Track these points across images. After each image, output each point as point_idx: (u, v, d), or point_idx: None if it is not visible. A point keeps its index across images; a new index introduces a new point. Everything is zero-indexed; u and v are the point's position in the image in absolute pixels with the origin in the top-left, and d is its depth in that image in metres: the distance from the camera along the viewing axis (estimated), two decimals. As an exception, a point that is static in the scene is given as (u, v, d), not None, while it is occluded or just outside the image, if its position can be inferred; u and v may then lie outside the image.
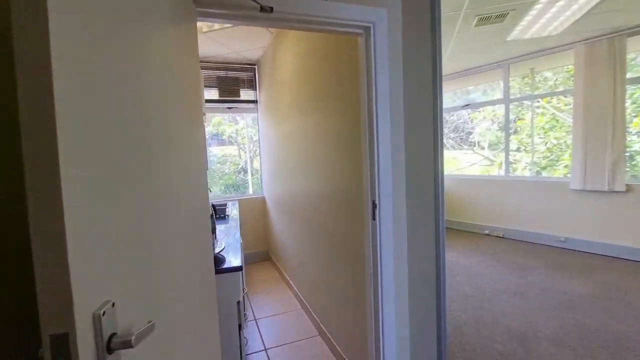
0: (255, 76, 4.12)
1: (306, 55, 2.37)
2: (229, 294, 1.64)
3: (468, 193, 5.04)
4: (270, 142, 3.77)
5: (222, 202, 3.52)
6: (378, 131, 1.46)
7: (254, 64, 4.08)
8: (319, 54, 2.14)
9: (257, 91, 4.13)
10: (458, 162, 7.27)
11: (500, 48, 3.89)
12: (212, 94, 3.96)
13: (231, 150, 4.60)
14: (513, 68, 4.52)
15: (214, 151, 4.46)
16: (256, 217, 4.22)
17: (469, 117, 7.18)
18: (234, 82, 4.04)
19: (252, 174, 4.49)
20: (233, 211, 3.25)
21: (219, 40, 3.29)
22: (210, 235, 1.26)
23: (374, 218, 1.50)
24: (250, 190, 4.46)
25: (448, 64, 4.41)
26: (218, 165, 4.47)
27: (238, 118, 4.47)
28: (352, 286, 1.86)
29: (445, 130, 7.63)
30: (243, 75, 4.08)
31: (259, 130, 4.29)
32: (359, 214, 1.69)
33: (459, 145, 7.42)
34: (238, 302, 1.66)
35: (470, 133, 7.28)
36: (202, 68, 3.88)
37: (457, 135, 7.49)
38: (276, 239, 3.83)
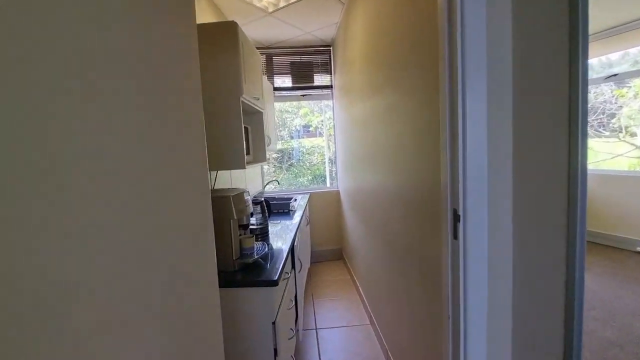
0: (330, 58, 3.76)
1: (376, 21, 1.88)
2: (261, 312, 1.34)
3: (610, 194, 3.74)
4: (344, 130, 3.38)
5: (285, 196, 3.31)
6: (465, 110, 0.93)
7: (329, 45, 3.73)
8: (389, 18, 1.63)
9: (332, 75, 3.78)
10: (594, 154, 5.60)
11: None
12: (285, 81, 3.77)
13: (320, 141, 4.44)
14: (700, 14, 3.06)
15: (303, 142, 4.38)
16: (330, 212, 3.92)
17: (613, 95, 5.43)
18: (307, 66, 3.76)
19: (329, 166, 4.20)
20: (300, 205, 3.00)
21: (288, 20, 3.03)
22: (211, 249, 0.95)
23: (455, 236, 0.98)
24: (328, 183, 4.18)
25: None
26: (307, 156, 4.37)
27: (325, 108, 4.20)
28: (429, 318, 1.35)
29: (574, 113, 5.95)
30: (317, 58, 3.77)
31: (333, 118, 3.95)
32: (434, 224, 1.17)
33: (597, 131, 5.71)
34: (273, 323, 1.35)
35: (614, 115, 5.51)
36: (274, 55, 3.71)
37: (594, 118, 5.78)
38: (348, 237, 3.45)
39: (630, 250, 3.59)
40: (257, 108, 2.13)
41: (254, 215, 1.99)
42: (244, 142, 1.71)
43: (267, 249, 1.64)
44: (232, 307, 1.35)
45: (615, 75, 3.82)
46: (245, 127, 2.05)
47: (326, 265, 3.79)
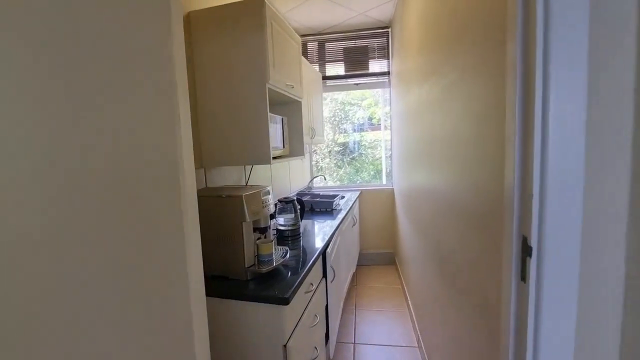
0: (388, 41, 3.39)
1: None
2: (270, 333, 1.15)
3: None
4: (399, 121, 3.01)
5: (331, 193, 3.07)
6: (547, 82, 0.58)
7: (387, 27, 3.35)
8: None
9: (390, 60, 3.40)
10: None
11: None
12: (337, 69, 3.51)
13: (386, 135, 4.15)
14: None
15: (367, 136, 4.13)
16: (383, 212, 3.58)
17: None
18: (362, 52, 3.45)
19: (386, 162, 3.85)
20: (347, 204, 2.74)
21: (339, 2, 2.75)
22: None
23: (522, 277, 0.64)
24: (384, 180, 3.83)
25: None
26: (370, 150, 4.12)
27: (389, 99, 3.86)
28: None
29: None
30: (373, 42, 3.43)
31: (390, 108, 3.57)
32: (495, 250, 0.83)
33: None
34: (284, 346, 1.15)
35: None
36: (327, 41, 3.47)
37: None
38: (401, 242, 3.09)
39: None
40: (293, 97, 1.92)
41: (282, 216, 1.80)
42: (269, 136, 1.52)
43: (288, 255, 1.43)
44: (240, 322, 1.18)
45: None
46: (281, 118, 1.87)
47: (375, 270, 3.48)
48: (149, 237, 0.68)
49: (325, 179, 3.85)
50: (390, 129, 3.64)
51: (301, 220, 1.93)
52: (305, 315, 1.38)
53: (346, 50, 3.48)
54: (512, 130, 0.66)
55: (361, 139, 4.08)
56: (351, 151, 4.14)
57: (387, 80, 3.47)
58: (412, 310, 2.44)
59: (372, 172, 4.11)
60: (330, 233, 1.87)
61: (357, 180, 4.06)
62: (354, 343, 2.20)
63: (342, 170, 4.24)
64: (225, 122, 1.57)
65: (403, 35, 2.58)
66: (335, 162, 4.16)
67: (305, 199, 2.93)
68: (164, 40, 0.71)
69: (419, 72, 1.95)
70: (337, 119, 4.22)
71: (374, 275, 3.32)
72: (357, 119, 4.10)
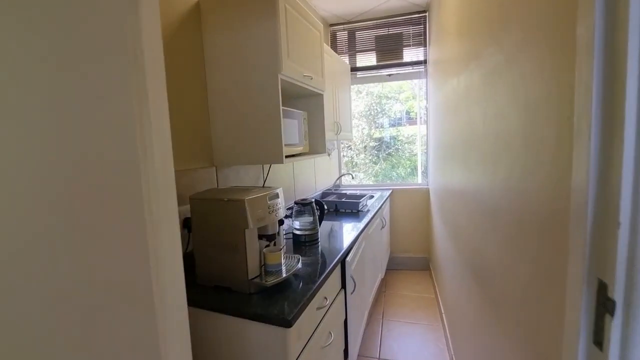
0: (425, 27, 3.09)
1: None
2: (271, 357, 1.01)
3: None
4: (437, 114, 2.73)
5: (358, 193, 2.87)
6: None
7: (424, 11, 3.05)
8: None
9: (427, 47, 3.10)
10: None
11: None
12: (369, 59, 3.28)
13: (422, 129, 3.89)
14: None
15: (404, 130, 3.89)
16: (417, 213, 3.32)
17: None
18: (396, 40, 3.18)
19: (422, 158, 3.57)
20: (375, 205, 2.54)
21: (370, -16, 2.53)
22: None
23: (598, 341, 0.43)
24: (419, 179, 3.56)
25: None
26: (407, 145, 3.88)
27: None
28: None
29: None
30: (409, 29, 3.15)
31: (426, 100, 3.28)
32: (557, 289, 0.61)
33: None
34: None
35: None
36: (357, 30, 3.25)
37: None
38: (436, 247, 2.82)
39: None
40: (312, 89, 1.76)
41: (299, 219, 1.66)
42: (281, 132, 1.38)
43: (300, 264, 1.28)
44: (240, 343, 1.05)
45: None
46: (300, 113, 1.72)
47: (408, 275, 3.24)
48: (91, 255, 0.57)
49: (353, 177, 3.65)
50: (427, 124, 3.35)
51: (320, 223, 1.77)
52: (317, 334, 1.22)
53: (378, 39, 3.23)
54: (587, 125, 0.44)
55: (398, 133, 3.83)
56: (387, 146, 3.92)
57: (423, 69, 3.18)
58: (446, 326, 2.19)
59: (408, 169, 3.86)
60: (352, 239, 1.70)
61: (393, 175, 3.82)
62: (379, 358, 2.02)
63: (378, 166, 4.03)
64: (236, 118, 1.46)
65: (441, 19, 2.30)
66: (370, 157, 3.96)
67: (330, 198, 2.77)
68: (121, 25, 0.58)
69: (458, 59, 1.70)
70: (372, 112, 4.01)
71: (405, 282, 3.09)
72: (394, 113, 3.85)
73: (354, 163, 4.06)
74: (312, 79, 1.69)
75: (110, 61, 0.58)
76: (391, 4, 2.90)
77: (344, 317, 1.59)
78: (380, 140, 3.90)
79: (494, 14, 1.04)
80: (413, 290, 2.91)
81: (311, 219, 1.68)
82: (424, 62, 3.14)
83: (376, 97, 4.02)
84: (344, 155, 3.86)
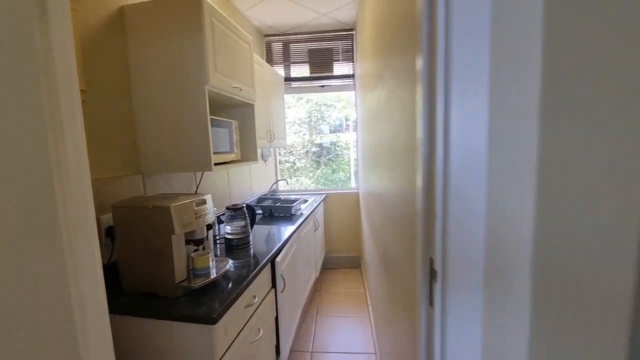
0: (353, 44, 3.37)
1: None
2: (198, 356, 1.07)
3: None
4: (362, 124, 3.00)
5: (292, 198, 3.01)
6: (448, 88, 0.55)
7: (351, 29, 3.33)
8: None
9: (355, 62, 3.38)
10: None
11: None
12: (302, 70, 3.46)
13: (354, 137, 4.13)
14: None
15: (343, 137, 4.09)
16: (348, 215, 3.56)
17: None
18: (326, 54, 3.41)
19: (354, 165, 3.84)
20: (308, 208, 2.69)
21: (300, 2, 2.69)
22: None
23: (430, 301, 0.61)
24: (353, 183, 3.82)
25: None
26: (346, 150, 4.08)
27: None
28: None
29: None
30: (338, 44, 3.40)
31: (356, 111, 3.56)
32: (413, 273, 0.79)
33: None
34: (215, 370, 1.07)
35: None
36: (292, 42, 3.41)
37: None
38: (364, 245, 3.08)
39: None
40: (243, 100, 1.85)
41: (231, 224, 1.72)
42: (209, 141, 1.44)
43: (230, 267, 1.36)
44: (168, 345, 1.09)
45: None
46: (230, 122, 1.78)
47: (342, 273, 3.46)
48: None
49: (287, 182, 3.78)
50: (357, 132, 3.63)
51: (252, 227, 1.86)
52: (246, 330, 1.31)
53: (311, 52, 3.43)
54: (419, 141, 0.62)
55: (337, 139, 4.07)
56: (328, 152, 4.13)
57: (352, 83, 3.45)
58: (371, 316, 2.42)
59: (348, 174, 4.12)
60: (283, 241, 1.81)
61: (335, 179, 4.05)
62: (311, 352, 2.15)
63: (319, 170, 4.21)
64: (165, 126, 1.48)
65: (362, 38, 2.56)
66: (311, 163, 4.13)
67: (266, 203, 2.85)
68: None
69: (372, 77, 1.93)
70: (313, 119, 4.19)
71: (339, 280, 3.29)
72: (334, 120, 4.09)
73: (295, 168, 4.20)
74: (241, 90, 1.77)
75: (17, 67, 0.60)
76: (322, 20, 3.11)
77: (275, 315, 1.69)
78: (321, 145, 4.10)
79: (389, 44, 1.25)
80: (346, 287, 3.13)
81: (243, 223, 1.75)
82: (353, 75, 3.42)
83: (316, 104, 4.21)
84: (286, 161, 3.98)
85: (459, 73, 0.54)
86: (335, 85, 3.50)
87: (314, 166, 4.24)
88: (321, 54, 3.41)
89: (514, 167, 0.55)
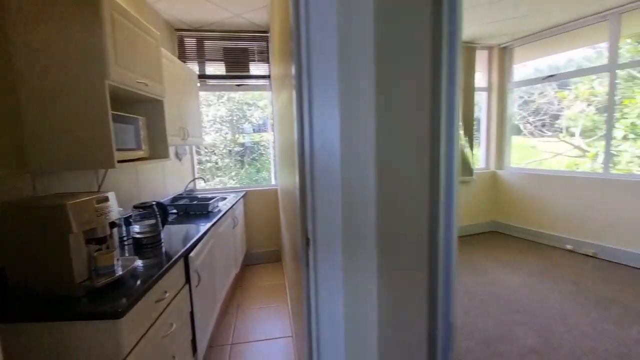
0: (268, 46, 3.48)
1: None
2: (102, 353, 1.07)
3: (547, 193, 3.81)
4: (277, 124, 3.13)
5: (207, 196, 3.01)
6: (312, 105, 0.71)
7: (266, 31, 3.44)
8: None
9: (270, 64, 3.49)
10: (538, 153, 5.80)
11: (608, -16, 2.62)
12: (218, 68, 3.44)
13: (272, 137, 4.16)
14: (627, 20, 3.12)
15: (266, 136, 4.07)
16: (268, 211, 3.67)
17: (556, 97, 5.63)
18: (242, 53, 3.45)
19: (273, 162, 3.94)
20: (227, 205, 2.71)
21: (213, 0, 2.70)
22: None
23: (307, 264, 0.77)
24: (273, 180, 3.91)
25: (529, 21, 3.20)
26: (268, 150, 4.07)
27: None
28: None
29: (524, 113, 6.14)
30: (254, 45, 3.47)
31: (273, 112, 3.68)
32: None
33: (540, 131, 5.91)
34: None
35: (557, 117, 5.72)
36: (206, 39, 3.36)
37: (537, 119, 5.97)
38: (283, 239, 3.23)
39: (561, 248, 3.69)
40: (150, 96, 1.81)
41: (140, 223, 1.69)
42: (111, 137, 1.40)
43: (138, 264, 1.35)
44: (69, 346, 1.06)
45: (553, 76, 3.87)
46: (137, 119, 1.73)
47: (264, 268, 3.55)
48: None
49: (205, 181, 3.72)
50: (274, 132, 3.75)
51: (164, 225, 1.84)
52: (157, 325, 1.33)
53: (227, 50, 3.43)
54: (295, 143, 0.78)
55: (260, 139, 4.10)
56: (252, 151, 4.13)
57: (268, 83, 3.56)
58: (289, 304, 2.58)
59: (270, 173, 4.19)
60: (197, 237, 1.84)
61: (259, 179, 4.07)
62: (231, 344, 2.21)
63: (243, 170, 4.18)
64: (60, 121, 1.38)
65: (273, 41, 2.70)
66: (234, 162, 4.08)
67: (181, 202, 2.78)
68: None
69: (280, 79, 2.08)
70: (235, 118, 4.13)
71: (261, 274, 3.38)
72: (256, 119, 4.10)
73: (217, 167, 4.11)
74: (147, 85, 1.74)
75: None
76: (237, 20, 3.14)
77: (190, 309, 1.72)
78: (244, 145, 4.09)
79: (283, 50, 1.41)
80: (268, 280, 3.23)
81: (153, 221, 1.73)
82: (269, 76, 3.53)
83: (237, 102, 4.18)
84: (207, 160, 3.87)
85: (318, 82, 0.71)
86: (252, 85, 3.56)
87: (237, 166, 4.22)
88: (237, 53, 3.44)
89: (359, 150, 0.75)
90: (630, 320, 2.24)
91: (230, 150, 4.12)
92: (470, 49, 3.94)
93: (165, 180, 2.81)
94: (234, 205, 2.88)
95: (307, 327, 0.82)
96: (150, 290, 1.26)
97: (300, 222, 0.78)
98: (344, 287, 0.75)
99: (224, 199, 3.04)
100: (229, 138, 4.11)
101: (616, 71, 3.28)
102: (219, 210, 2.55)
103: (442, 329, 0.68)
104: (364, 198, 0.67)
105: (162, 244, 1.73)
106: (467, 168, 4.08)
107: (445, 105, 0.62)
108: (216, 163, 4.20)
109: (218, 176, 4.23)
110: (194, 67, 3.36)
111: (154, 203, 1.75)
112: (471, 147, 4.07)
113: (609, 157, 3.35)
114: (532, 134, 6.08)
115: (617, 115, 4.85)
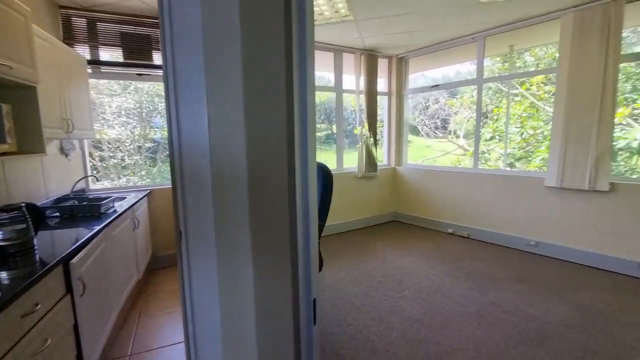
0: (173, 35, 3.27)
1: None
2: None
3: (436, 186, 4.43)
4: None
5: (101, 196, 2.73)
6: (177, 96, 0.74)
7: (171, 20, 3.23)
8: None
9: (176, 55, 3.30)
10: (433, 151, 6.68)
11: (474, 13, 3.18)
12: (115, 55, 3.11)
13: None
14: (490, 43, 3.83)
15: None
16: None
17: (446, 104, 6.56)
18: (143, 40, 3.18)
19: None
20: (123, 206, 2.48)
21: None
22: None
23: (181, 257, 0.80)
24: (181, 178, 3.68)
25: (418, 36, 3.67)
26: None
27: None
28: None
29: (422, 117, 6.99)
30: (157, 33, 3.23)
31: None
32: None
33: (434, 132, 6.82)
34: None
35: (447, 120, 6.67)
36: (98, 20, 3.00)
37: (432, 122, 6.87)
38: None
39: (444, 232, 4.35)
40: (16, 81, 1.57)
41: (3, 229, 1.46)
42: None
43: (-3, 276, 1.17)
44: None
45: (437, 86, 4.51)
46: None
47: (171, 271, 3.35)
48: None
49: (97, 179, 3.35)
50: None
51: (37, 230, 1.62)
52: (24, 342, 1.18)
53: (125, 36, 3.12)
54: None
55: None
56: (165, 148, 3.80)
57: (175, 75, 3.36)
58: (198, 304, 2.51)
59: None
60: (81, 241, 1.66)
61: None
62: (129, 355, 2.06)
63: (156, 168, 3.82)
64: None
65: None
66: (144, 160, 3.70)
67: (67, 204, 2.45)
68: None
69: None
70: (145, 111, 3.74)
71: (167, 278, 3.19)
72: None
73: (123, 165, 3.69)
74: (12, 68, 1.51)
75: None
76: (135, 3, 2.88)
77: (73, 322, 1.56)
78: (156, 141, 3.76)
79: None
80: (175, 283, 3.07)
81: (23, 226, 1.51)
82: (176, 67, 3.33)
83: (147, 94, 3.81)
84: (111, 157, 3.45)
85: (184, 76, 0.74)
86: (157, 75, 3.32)
87: (149, 163, 3.86)
88: (137, 39, 3.16)
89: (229, 142, 0.80)
90: (489, 287, 2.78)
91: (140, 147, 3.76)
92: (373, 56, 4.33)
93: (44, 178, 2.44)
94: (134, 205, 2.66)
95: (184, 323, 0.85)
96: (10, 305, 1.12)
97: (175, 216, 0.80)
98: (219, 277, 0.81)
99: (122, 198, 2.78)
100: (137, 133, 3.75)
101: (483, 84, 3.99)
102: (114, 211, 2.34)
103: (305, 307, 0.79)
104: (237, 188, 0.74)
105: (36, 252, 1.52)
106: (372, 164, 4.49)
107: (298, 104, 0.72)
108: (122, 160, 3.79)
109: (125, 175, 3.82)
110: (85, 51, 2.98)
111: (23, 205, 1.53)
112: (375, 145, 4.48)
113: (478, 155, 4.07)
114: (428, 135, 6.98)
115: (490, 120, 5.89)
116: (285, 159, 0.73)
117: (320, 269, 2.08)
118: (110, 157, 3.76)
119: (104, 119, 3.61)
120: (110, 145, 3.70)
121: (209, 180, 0.73)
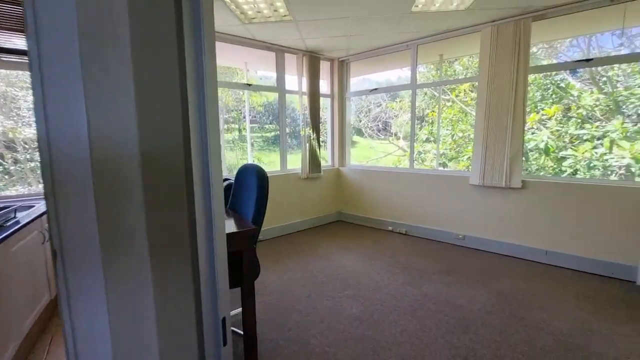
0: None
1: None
2: None
3: (377, 186, 4.60)
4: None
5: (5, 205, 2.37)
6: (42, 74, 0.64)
7: None
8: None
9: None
10: (376, 152, 6.94)
11: (407, 21, 3.36)
12: (14, 42, 2.70)
13: None
14: (422, 51, 4.08)
15: None
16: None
17: (387, 107, 6.87)
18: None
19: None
20: (30, 215, 2.16)
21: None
22: None
23: (57, 279, 0.69)
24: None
25: (356, 40, 3.76)
26: None
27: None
28: None
29: (365, 119, 7.24)
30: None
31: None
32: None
33: (377, 134, 7.10)
34: None
35: (388, 123, 6.99)
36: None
37: (374, 124, 7.14)
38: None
39: (384, 229, 4.53)
40: None
41: None
42: None
43: None
44: None
45: (376, 89, 4.69)
46: None
47: (94, 286, 3.01)
48: None
49: (30, 184, 2.89)
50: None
51: None
52: None
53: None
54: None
55: None
56: None
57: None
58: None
59: None
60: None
61: None
62: (33, 388, 1.79)
63: None
64: None
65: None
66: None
67: (-50, 217, 2.06)
68: None
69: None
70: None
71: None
72: None
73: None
74: None
75: None
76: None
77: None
78: None
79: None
80: (98, 300, 2.76)
81: None
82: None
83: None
84: (28, 160, 2.96)
85: (56, 63, 0.64)
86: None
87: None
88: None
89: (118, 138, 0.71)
90: (422, 281, 2.95)
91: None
92: (315, 58, 4.35)
93: None
94: (43, 214, 2.33)
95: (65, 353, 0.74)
96: None
97: (48, 230, 0.69)
98: (108, 301, 0.71)
99: (30, 207, 2.43)
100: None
101: (416, 89, 4.23)
102: (16, 222, 2.02)
103: (211, 328, 0.73)
104: (129, 194, 0.65)
105: None
106: (316, 165, 4.52)
107: (195, 96, 0.66)
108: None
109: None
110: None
111: None
112: (319, 146, 4.51)
113: (414, 156, 4.31)
114: (371, 136, 7.24)
115: (426, 123, 6.27)
116: (182, 158, 0.66)
117: (256, 277, 2.01)
118: (28, 160, 3.28)
119: (17, 115, 3.13)
120: (27, 146, 3.22)
121: (90, 183, 0.64)
